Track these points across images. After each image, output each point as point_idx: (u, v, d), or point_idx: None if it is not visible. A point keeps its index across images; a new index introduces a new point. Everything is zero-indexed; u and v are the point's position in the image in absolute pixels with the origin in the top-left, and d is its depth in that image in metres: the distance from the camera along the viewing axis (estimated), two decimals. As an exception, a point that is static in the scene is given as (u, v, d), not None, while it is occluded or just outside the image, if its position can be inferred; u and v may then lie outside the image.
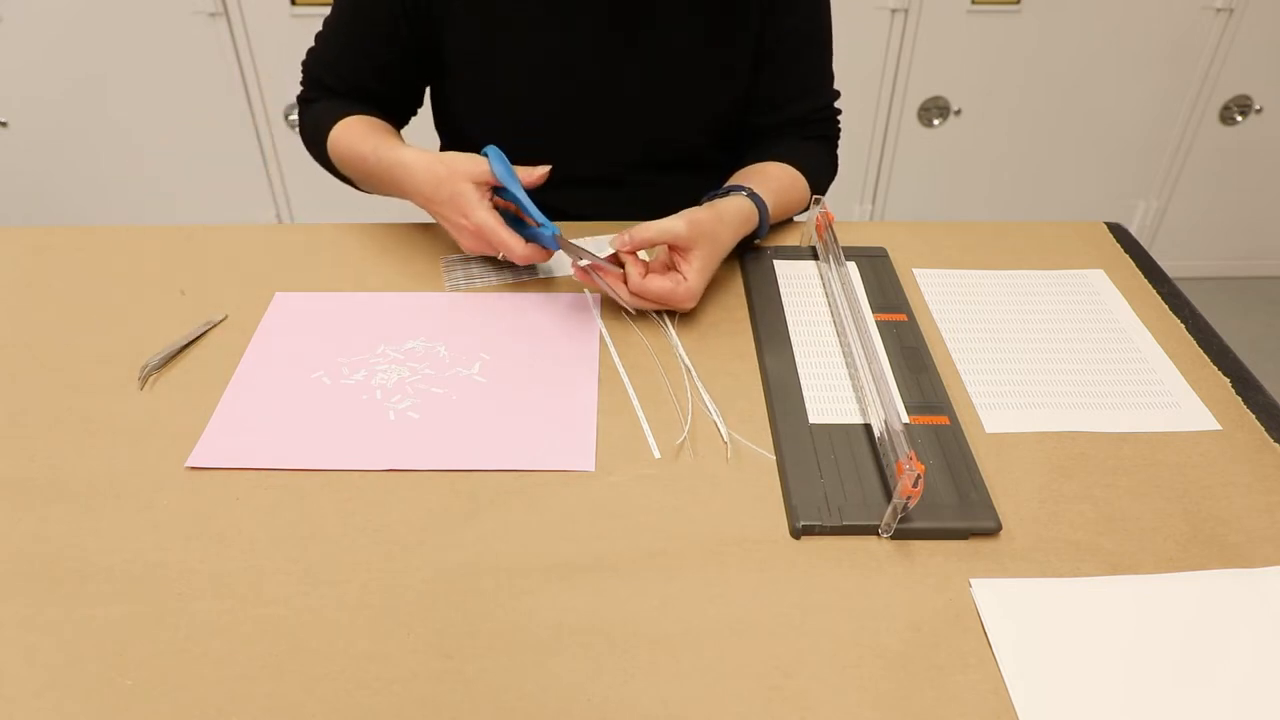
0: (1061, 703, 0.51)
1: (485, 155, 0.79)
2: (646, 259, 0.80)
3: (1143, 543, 0.60)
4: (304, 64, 0.96)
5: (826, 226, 0.85)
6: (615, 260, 0.78)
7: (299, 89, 0.97)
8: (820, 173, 0.98)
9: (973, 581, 0.57)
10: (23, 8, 1.78)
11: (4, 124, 1.94)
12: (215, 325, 0.79)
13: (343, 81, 0.94)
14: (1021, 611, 0.55)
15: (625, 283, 0.77)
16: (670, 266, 0.79)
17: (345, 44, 0.92)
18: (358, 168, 0.89)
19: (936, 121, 2.00)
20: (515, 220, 0.80)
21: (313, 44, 0.95)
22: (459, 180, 0.78)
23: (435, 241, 0.90)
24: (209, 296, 0.82)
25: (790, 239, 0.92)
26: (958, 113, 1.98)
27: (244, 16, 1.81)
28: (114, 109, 1.92)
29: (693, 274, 0.77)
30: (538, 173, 0.80)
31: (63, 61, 1.86)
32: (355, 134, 0.89)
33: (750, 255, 0.88)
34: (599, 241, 0.89)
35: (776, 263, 0.87)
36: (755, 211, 0.85)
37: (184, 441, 0.67)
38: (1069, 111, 1.99)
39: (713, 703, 0.51)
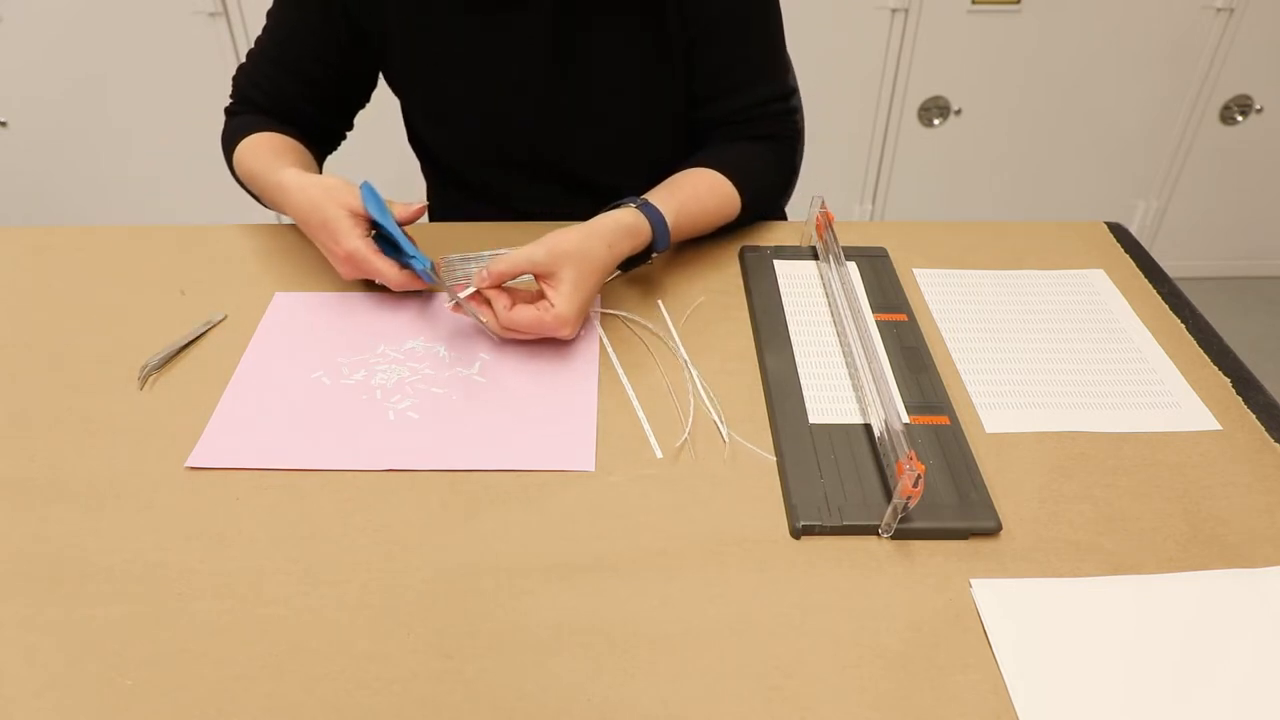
0: (1061, 703, 0.51)
1: (360, 189, 0.77)
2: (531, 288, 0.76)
3: (1143, 543, 0.60)
4: (234, 78, 0.96)
5: (826, 226, 0.85)
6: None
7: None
8: (758, 175, 0.91)
9: (973, 581, 0.57)
10: (23, 8, 1.78)
11: (4, 124, 1.94)
12: (215, 325, 0.79)
13: (269, 99, 0.93)
14: (1021, 611, 0.55)
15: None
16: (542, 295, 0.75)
17: (274, 64, 0.93)
18: (253, 185, 0.89)
19: (936, 121, 2.00)
20: (397, 251, 0.77)
21: (244, 60, 0.95)
22: (331, 206, 0.76)
23: (434, 242, 0.90)
24: (209, 296, 0.82)
25: (790, 239, 0.92)
26: (958, 113, 1.98)
27: (244, 16, 1.81)
28: (114, 109, 1.92)
29: (560, 299, 0.72)
30: (413, 208, 0.79)
31: (63, 61, 1.86)
32: (257, 150, 0.89)
33: (750, 255, 0.88)
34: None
35: (776, 263, 0.87)
36: (643, 222, 0.79)
37: (184, 441, 0.67)
38: (1069, 111, 1.99)
39: (713, 703, 0.51)
